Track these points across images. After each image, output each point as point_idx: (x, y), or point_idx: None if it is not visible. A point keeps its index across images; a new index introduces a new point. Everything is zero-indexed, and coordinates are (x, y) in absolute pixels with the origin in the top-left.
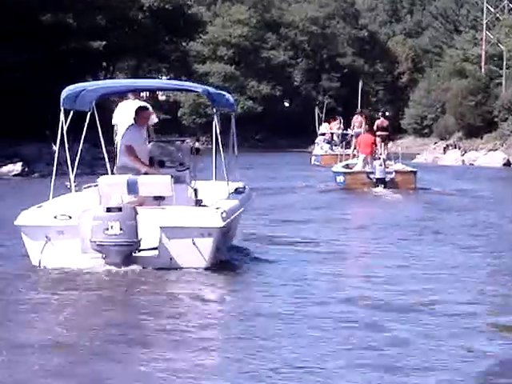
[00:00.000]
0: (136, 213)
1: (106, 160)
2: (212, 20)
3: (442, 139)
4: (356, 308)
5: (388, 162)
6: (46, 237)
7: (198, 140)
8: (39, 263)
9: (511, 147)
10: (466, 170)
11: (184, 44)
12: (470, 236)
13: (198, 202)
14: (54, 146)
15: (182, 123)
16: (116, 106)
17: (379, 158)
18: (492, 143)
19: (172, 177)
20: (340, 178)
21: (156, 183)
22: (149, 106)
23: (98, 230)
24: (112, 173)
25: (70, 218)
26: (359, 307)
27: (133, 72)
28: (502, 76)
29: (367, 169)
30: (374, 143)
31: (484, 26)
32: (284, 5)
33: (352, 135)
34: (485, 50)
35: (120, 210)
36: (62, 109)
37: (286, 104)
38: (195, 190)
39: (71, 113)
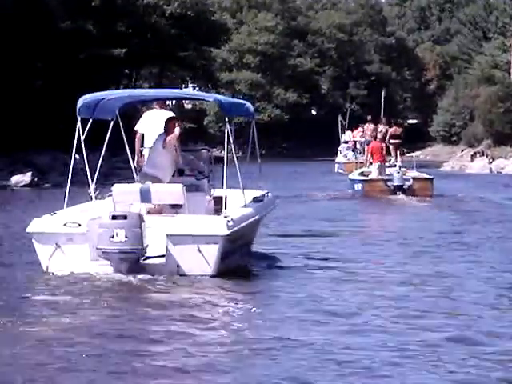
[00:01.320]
0: (142, 220)
1: (133, 168)
2: (238, 27)
3: (470, 146)
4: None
5: (403, 169)
6: (56, 244)
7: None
8: (48, 269)
9: None
10: (492, 178)
11: (208, 51)
12: (492, 251)
13: (218, 211)
14: (76, 155)
15: (207, 131)
16: (141, 114)
17: (395, 166)
18: None
19: (184, 185)
20: (358, 186)
21: (168, 191)
22: (172, 115)
23: (104, 238)
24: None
25: (80, 225)
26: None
27: (156, 80)
28: None
29: (383, 176)
30: (386, 150)
31: None
32: (311, 12)
33: (362, 142)
34: None
35: (125, 217)
36: (78, 118)
37: (314, 112)
38: (220, 198)
39: (90, 122)
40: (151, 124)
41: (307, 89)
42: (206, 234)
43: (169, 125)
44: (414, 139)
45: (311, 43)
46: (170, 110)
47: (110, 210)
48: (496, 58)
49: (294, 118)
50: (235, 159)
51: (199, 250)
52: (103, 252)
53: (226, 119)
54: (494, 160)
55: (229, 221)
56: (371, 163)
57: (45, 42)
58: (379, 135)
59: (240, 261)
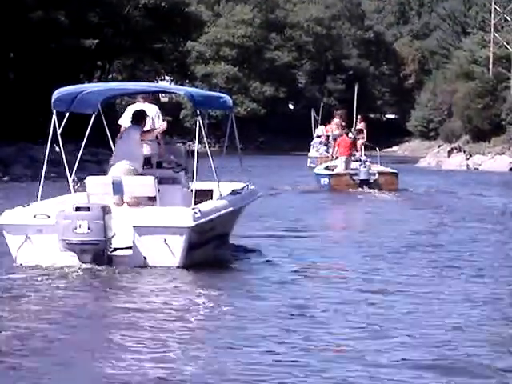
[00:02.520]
0: (106, 212)
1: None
2: (215, 20)
3: (448, 142)
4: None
5: (367, 163)
6: (26, 235)
7: (200, 142)
8: (18, 260)
9: None
10: (466, 174)
11: (182, 44)
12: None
13: (196, 203)
14: (56, 148)
15: (183, 125)
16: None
17: (359, 160)
18: (500, 147)
19: (160, 178)
20: (324, 180)
21: (140, 184)
22: (156, 108)
23: (68, 229)
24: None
25: (49, 217)
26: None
27: (129, 72)
28: (510, 78)
29: (349, 170)
30: (353, 145)
31: (492, 28)
32: (289, 5)
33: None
34: (493, 51)
35: (88, 209)
36: (53, 111)
37: (291, 106)
38: (204, 191)
39: (66, 115)
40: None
41: (284, 83)
42: (171, 225)
43: (137, 117)
44: (391, 134)
45: (289, 37)
46: (152, 102)
47: (76, 202)
48: (475, 53)
49: (270, 111)
50: (209, 152)
51: (165, 242)
52: (67, 243)
53: (198, 112)
54: (471, 156)
55: (196, 212)
56: (337, 157)
57: (16, 33)
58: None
59: (213, 252)
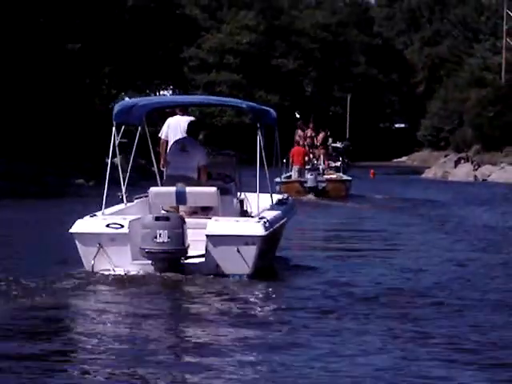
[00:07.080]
0: (183, 222)
1: (156, 172)
2: (218, 27)
3: (459, 152)
4: None
5: (330, 171)
6: (99, 244)
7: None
8: (91, 268)
9: None
10: (460, 185)
11: (177, 49)
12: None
13: (244, 213)
14: (106, 159)
15: None
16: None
17: (318, 169)
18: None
19: (218, 188)
20: (277, 187)
21: (203, 194)
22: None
23: (147, 238)
24: (161, 184)
25: (122, 226)
26: None
27: (122, 80)
28: None
29: (302, 178)
30: (306, 154)
31: (504, 33)
32: (294, 11)
33: None
34: (505, 57)
35: (168, 219)
36: (114, 123)
37: (297, 115)
38: (241, 201)
39: (122, 127)
40: (176, 129)
41: (290, 91)
42: (244, 234)
43: (192, 129)
44: (401, 144)
45: (294, 43)
46: (189, 114)
47: (147, 212)
48: (487, 59)
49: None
50: (265, 165)
51: (238, 251)
52: (147, 252)
53: (258, 125)
54: (479, 166)
55: (265, 222)
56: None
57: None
58: (308, 140)
59: (269, 262)
